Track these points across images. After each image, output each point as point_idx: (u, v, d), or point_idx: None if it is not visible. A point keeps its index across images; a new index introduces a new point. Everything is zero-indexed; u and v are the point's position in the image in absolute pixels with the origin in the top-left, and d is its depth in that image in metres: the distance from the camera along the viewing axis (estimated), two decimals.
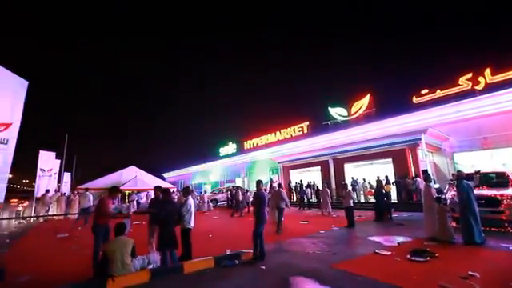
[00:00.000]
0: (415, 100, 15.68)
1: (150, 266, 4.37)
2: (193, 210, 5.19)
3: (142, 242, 5.15)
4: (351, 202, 8.75)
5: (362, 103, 18.54)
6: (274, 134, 23.89)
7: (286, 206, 8.75)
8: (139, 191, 16.89)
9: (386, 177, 13.33)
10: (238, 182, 25.62)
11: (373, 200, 11.57)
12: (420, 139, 12.81)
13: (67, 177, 23.78)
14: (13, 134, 4.76)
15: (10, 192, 14.45)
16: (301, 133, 21.53)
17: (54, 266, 5.08)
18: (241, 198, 14.51)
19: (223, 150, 30.68)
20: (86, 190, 10.99)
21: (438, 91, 14.83)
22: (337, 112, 19.89)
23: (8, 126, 4.67)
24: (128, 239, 4.20)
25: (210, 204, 17.06)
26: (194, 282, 4.07)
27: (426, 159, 13.18)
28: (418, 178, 12.25)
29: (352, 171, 17.11)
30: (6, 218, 10.35)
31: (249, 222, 10.89)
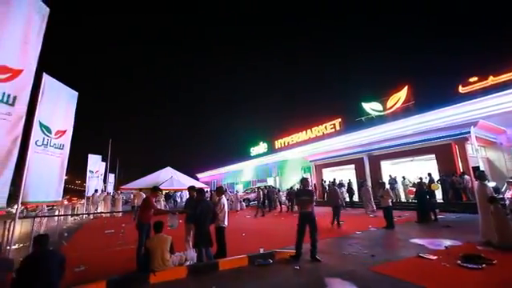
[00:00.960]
0: (461, 89, 14.22)
1: (187, 263, 4.57)
2: (226, 209, 5.34)
3: (180, 239, 5.37)
4: (390, 201, 8.24)
5: (399, 96, 17.33)
6: (305, 132, 23.44)
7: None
8: (175, 191, 17.75)
9: (430, 174, 12.29)
10: (270, 182, 25.62)
11: (414, 199, 10.76)
12: (469, 133, 11.56)
13: (111, 178, 25.95)
14: (67, 139, 5.33)
15: (66, 191, 16.18)
16: (333, 130, 20.81)
17: (103, 259, 5.57)
18: (259, 197, 14.56)
19: (254, 150, 30.93)
20: (140, 190, 12.26)
21: (491, 78, 13.26)
22: (371, 107, 18.85)
23: (63, 132, 5.24)
24: (166, 236, 4.45)
25: (243, 203, 17.31)
26: (229, 279, 4.16)
27: (478, 155, 11.85)
28: (466, 176, 11.10)
29: (389, 169, 16.07)
30: (64, 215, 11.58)
31: (281, 221, 10.87)
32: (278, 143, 26.78)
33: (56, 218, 9.83)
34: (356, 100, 19.63)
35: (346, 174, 18.49)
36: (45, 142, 4.82)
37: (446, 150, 12.69)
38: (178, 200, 21.18)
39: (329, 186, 15.47)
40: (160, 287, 3.89)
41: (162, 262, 4.21)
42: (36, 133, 4.60)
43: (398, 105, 17.26)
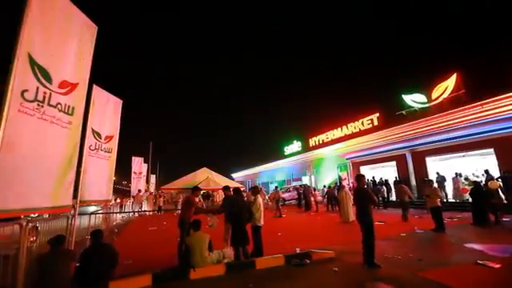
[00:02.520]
0: None
1: (225, 261, 4.70)
2: (262, 208, 5.39)
3: (218, 238, 5.48)
4: (438, 201, 7.51)
5: (447, 85, 15.66)
6: (340, 129, 22.55)
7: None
8: (212, 191, 18.34)
9: (487, 171, 10.94)
10: (305, 181, 25.18)
11: (466, 199, 9.67)
12: None
13: (153, 178, 27.85)
14: (115, 143, 5.87)
15: (115, 191, 17.70)
16: (370, 126, 19.65)
17: (148, 253, 5.99)
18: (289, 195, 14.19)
19: (288, 149, 30.67)
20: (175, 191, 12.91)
21: None
22: (413, 99, 17.34)
23: (111, 137, 5.77)
24: (205, 234, 4.63)
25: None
26: (266, 278, 4.18)
27: None
28: None
29: (436, 165, 14.69)
30: (112, 212, 12.72)
31: (317, 221, 10.62)
32: (312, 141, 26.19)
33: (106, 214, 10.84)
34: (395, 92, 18.26)
35: (386, 172, 17.40)
36: (96, 147, 5.37)
37: (508, 144, 11.18)
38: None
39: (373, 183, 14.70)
40: (199, 283, 4.06)
41: (201, 259, 4.39)
42: (89, 138, 5.15)
43: (446, 95, 15.61)
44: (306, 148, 27.04)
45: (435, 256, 4.96)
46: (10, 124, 2.75)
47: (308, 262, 4.74)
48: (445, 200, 11.71)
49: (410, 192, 9.77)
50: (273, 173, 34.46)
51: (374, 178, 16.47)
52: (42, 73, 3.16)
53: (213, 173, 19.26)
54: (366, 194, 4.82)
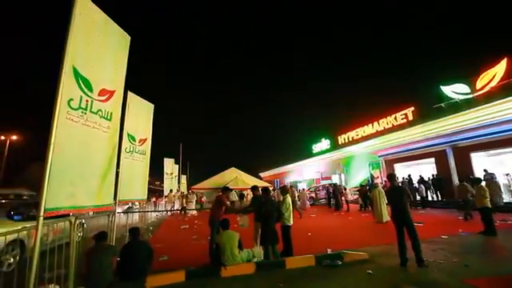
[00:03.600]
0: None
1: (255, 260, 4.73)
2: (291, 207, 5.35)
3: (247, 237, 5.46)
4: (487, 201, 6.80)
5: (495, 72, 14.10)
6: (370, 125, 21.53)
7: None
8: (241, 190, 18.62)
9: None
10: (335, 179, 24.45)
11: None
12: None
13: (183, 179, 28.98)
14: (148, 146, 6.22)
15: (149, 191, 18.74)
16: (404, 120, 18.45)
17: (181, 251, 6.24)
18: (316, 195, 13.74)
19: (316, 147, 30.03)
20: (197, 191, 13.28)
21: None
22: (453, 90, 15.89)
23: (144, 140, 6.13)
24: (234, 233, 4.71)
25: (307, 202, 16.95)
26: (297, 278, 4.13)
27: None
28: None
29: (483, 162, 13.34)
30: (147, 211, 13.45)
31: (349, 221, 10.26)
32: (341, 139, 25.35)
33: (142, 213, 11.52)
34: (432, 83, 16.92)
35: (423, 169, 16.26)
36: (131, 149, 5.74)
37: None
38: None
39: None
40: (230, 281, 4.14)
41: (231, 257, 4.48)
42: (125, 142, 5.53)
43: (494, 83, 14.05)
44: (335, 146, 26.24)
45: (484, 262, 4.51)
46: (60, 130, 3.04)
47: (340, 263, 4.60)
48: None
49: (473, 190, 9.04)
50: (301, 172, 33.97)
51: (410, 176, 15.46)
52: (84, 83, 3.45)
53: (241, 172, 19.58)
54: (403, 192, 4.60)
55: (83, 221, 7.15)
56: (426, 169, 16.17)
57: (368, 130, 21.78)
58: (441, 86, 16.13)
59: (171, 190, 18.38)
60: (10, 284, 2.84)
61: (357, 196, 15.57)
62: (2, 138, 24.15)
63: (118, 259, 4.00)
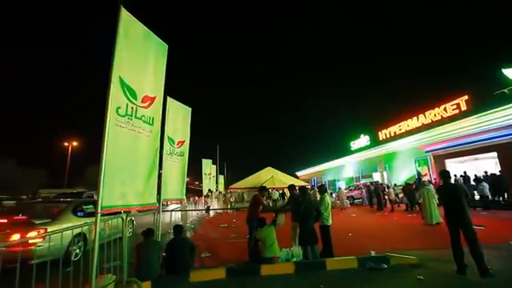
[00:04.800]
0: None
1: (294, 259, 4.68)
2: (330, 207, 5.22)
3: (285, 236, 5.43)
4: None
5: None
6: (415, 118, 19.81)
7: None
8: (282, 189, 18.54)
9: None
10: (376, 177, 23.04)
11: None
12: None
13: (221, 178, 29.86)
14: (186, 148, 6.53)
15: (188, 191, 19.69)
16: (457, 111, 16.59)
17: (221, 248, 6.42)
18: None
19: (355, 144, 28.65)
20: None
21: None
22: None
23: (183, 142, 6.46)
24: (273, 228, 4.79)
25: (347, 201, 16.26)
26: (338, 280, 3.98)
27: None
28: None
29: None
30: (189, 210, 14.08)
31: (393, 222, 9.56)
32: (382, 134, 23.81)
33: (183, 212, 12.13)
34: (489, 68, 14.93)
35: (482, 165, 14.46)
36: (171, 151, 6.09)
37: None
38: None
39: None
40: (270, 279, 4.14)
41: (272, 250, 4.54)
42: (165, 144, 5.87)
43: None
44: (375, 142, 24.73)
45: None
46: (110, 136, 3.35)
47: (385, 266, 4.31)
48: None
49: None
50: (339, 170, 32.71)
51: (465, 173, 13.89)
52: (129, 91, 3.76)
53: (277, 172, 19.52)
54: (460, 190, 4.10)
55: (133, 218, 7.80)
56: (485, 164, 14.36)
57: (412, 123, 20.11)
58: (502, 70, 14.11)
59: (209, 190, 19.07)
60: (77, 271, 3.22)
61: (402, 195, 14.44)
62: (66, 144, 27.55)
63: (164, 254, 4.30)
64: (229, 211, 16.03)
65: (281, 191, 17.59)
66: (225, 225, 10.80)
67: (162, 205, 5.69)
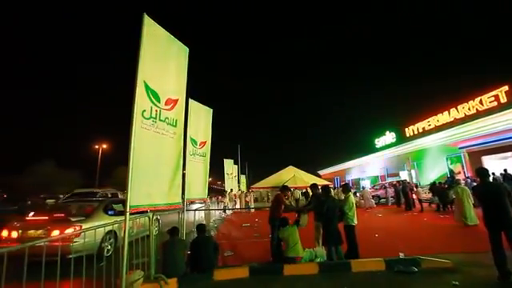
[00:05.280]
0: None
1: (318, 260, 4.60)
2: (355, 206, 5.09)
3: (308, 237, 5.35)
4: None
5: None
6: (446, 112, 18.62)
7: None
8: (306, 189, 18.36)
9: None
10: (403, 176, 21.98)
11: None
12: None
13: (243, 178, 30.06)
14: (208, 148, 6.67)
15: (211, 191, 20.07)
16: (495, 104, 15.34)
17: (243, 247, 6.43)
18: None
19: (379, 141, 27.56)
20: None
21: None
22: None
23: (205, 143, 6.60)
24: (296, 228, 4.76)
25: (372, 200, 15.67)
26: (365, 282, 3.84)
27: None
28: None
29: None
30: (212, 209, 14.33)
31: (422, 223, 9.06)
32: (409, 130, 22.69)
33: (206, 211, 12.38)
34: None
35: None
36: (193, 152, 6.25)
37: None
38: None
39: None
40: (293, 279, 4.09)
41: (295, 249, 4.50)
42: (188, 145, 6.03)
43: None
44: (402, 138, 23.60)
45: None
46: (137, 138, 3.51)
47: (416, 270, 4.09)
48: None
49: None
50: (363, 168, 31.63)
51: (505, 170, 12.81)
52: (153, 95, 3.90)
53: (299, 171, 19.33)
54: (502, 189, 3.76)
55: (158, 217, 8.11)
56: None
57: (443, 118, 18.94)
58: None
59: (231, 190, 19.31)
60: (109, 266, 3.41)
61: (430, 195, 13.63)
62: (96, 146, 29.31)
63: (189, 252, 4.42)
64: (250, 210, 16.10)
65: (303, 190, 17.37)
66: (247, 224, 10.87)
67: (186, 204, 5.84)
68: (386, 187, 17.49)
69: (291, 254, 4.50)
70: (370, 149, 29.22)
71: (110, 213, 6.24)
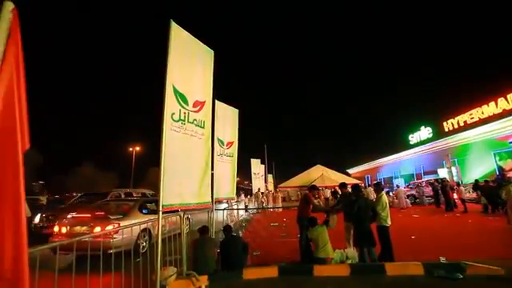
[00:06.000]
0: None
1: (349, 261, 4.44)
2: (388, 206, 4.84)
3: (338, 237, 5.21)
4: None
5: None
6: (493, 103, 16.90)
7: None
8: (334, 188, 17.92)
9: None
10: (442, 174, 20.38)
11: None
12: None
13: (270, 178, 30.01)
14: (235, 148, 6.75)
15: (239, 190, 20.30)
16: None
17: (272, 247, 6.44)
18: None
19: (414, 137, 25.87)
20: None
21: None
22: None
23: (232, 143, 6.68)
24: (325, 228, 4.64)
25: (407, 200, 14.77)
26: (401, 287, 3.63)
27: None
28: None
29: None
30: (240, 209, 14.49)
31: (466, 224, 8.32)
32: (447, 125, 21.00)
33: (235, 210, 12.56)
34: None
35: None
36: (221, 152, 6.36)
37: None
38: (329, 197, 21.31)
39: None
40: (323, 280, 3.99)
41: (325, 250, 4.40)
42: (216, 146, 6.16)
43: None
44: (439, 133, 21.91)
45: None
46: (167, 140, 3.66)
47: (460, 276, 3.76)
48: None
49: None
50: (397, 166, 29.93)
51: None
52: (181, 98, 4.04)
53: (327, 169, 18.87)
54: None
55: (189, 215, 8.40)
56: None
57: (489, 109, 17.25)
58: None
59: (259, 189, 19.39)
60: (145, 262, 3.61)
61: (475, 194, 12.47)
62: (130, 149, 31.23)
63: (218, 251, 4.52)
64: (278, 210, 16.02)
65: (332, 189, 16.91)
66: (275, 223, 10.84)
67: (214, 203, 5.97)
68: (418, 186, 16.36)
69: (321, 255, 4.40)
70: (403, 145, 27.54)
71: (144, 211, 6.60)
